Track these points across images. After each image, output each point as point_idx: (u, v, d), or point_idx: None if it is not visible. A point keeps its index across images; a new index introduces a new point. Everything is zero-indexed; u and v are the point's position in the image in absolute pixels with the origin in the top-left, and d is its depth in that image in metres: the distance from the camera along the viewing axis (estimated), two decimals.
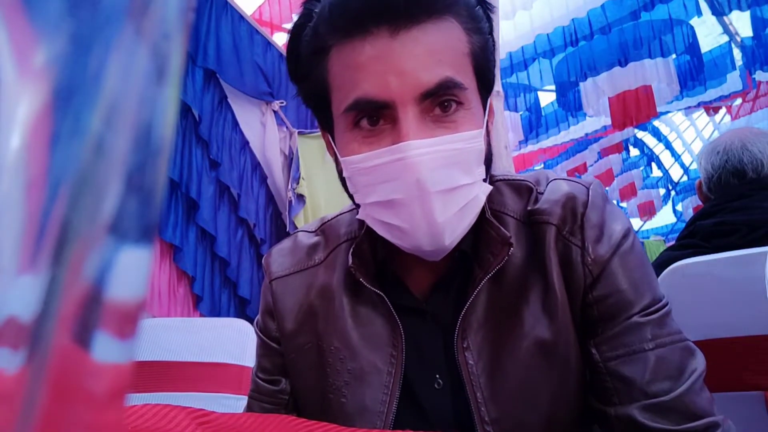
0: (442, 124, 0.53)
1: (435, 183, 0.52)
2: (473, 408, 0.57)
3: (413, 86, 0.51)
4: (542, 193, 0.61)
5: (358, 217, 0.60)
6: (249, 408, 0.69)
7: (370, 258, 0.63)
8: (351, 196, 0.60)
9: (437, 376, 0.60)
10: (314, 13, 0.56)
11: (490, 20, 0.59)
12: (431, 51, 0.51)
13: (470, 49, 0.55)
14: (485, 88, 0.59)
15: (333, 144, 0.60)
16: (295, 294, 0.67)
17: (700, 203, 1.41)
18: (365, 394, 0.60)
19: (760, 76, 5.68)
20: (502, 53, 3.01)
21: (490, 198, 0.62)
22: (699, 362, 0.55)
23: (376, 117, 0.53)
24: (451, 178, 0.53)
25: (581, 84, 4.99)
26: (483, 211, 0.59)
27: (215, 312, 2.46)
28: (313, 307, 0.66)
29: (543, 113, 6.08)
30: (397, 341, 0.60)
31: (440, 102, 0.53)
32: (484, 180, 0.57)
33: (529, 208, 0.61)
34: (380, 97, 0.51)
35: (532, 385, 0.57)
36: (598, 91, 4.97)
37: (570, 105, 5.45)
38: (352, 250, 0.63)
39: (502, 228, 0.59)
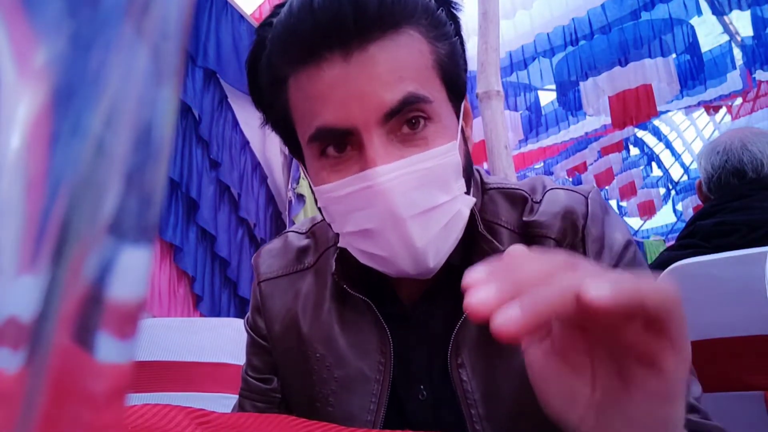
0: (411, 142, 0.50)
1: (409, 207, 0.49)
2: (468, 425, 0.55)
3: (374, 108, 0.48)
4: (538, 203, 0.59)
5: (339, 245, 0.57)
6: (240, 407, 0.68)
7: (355, 264, 0.60)
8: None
9: (421, 387, 0.59)
10: (267, 40, 0.53)
11: (456, 20, 0.56)
12: (390, 68, 0.49)
13: (435, 59, 0.52)
14: (456, 95, 0.55)
15: (305, 173, 0.58)
16: (282, 297, 0.66)
17: (700, 203, 1.41)
18: (352, 402, 0.59)
19: (760, 75, 5.68)
20: (502, 52, 3.00)
21: (483, 208, 0.60)
22: (698, 386, 0.54)
23: (342, 144, 0.51)
24: (427, 198, 0.50)
25: (581, 83, 5.00)
26: (475, 224, 0.57)
27: (215, 312, 2.46)
28: (300, 314, 0.64)
29: (543, 112, 6.08)
30: (385, 348, 0.59)
31: (407, 120, 0.50)
32: (466, 192, 0.55)
33: (524, 219, 0.59)
34: (342, 124, 0.49)
35: (529, 403, 0.55)
36: (598, 91, 4.97)
37: (570, 104, 5.46)
38: (336, 256, 0.60)
39: (494, 241, 0.56)
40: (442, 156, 0.51)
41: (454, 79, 0.55)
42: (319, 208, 0.57)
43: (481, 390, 0.56)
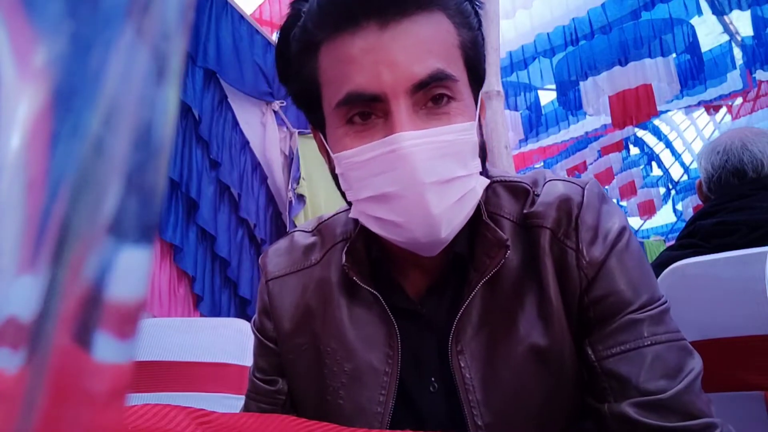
0: (434, 116, 0.53)
1: (429, 174, 0.51)
2: (466, 412, 0.56)
3: (405, 78, 0.50)
4: (539, 195, 0.60)
5: (351, 215, 0.59)
6: (246, 408, 0.69)
7: (365, 257, 0.62)
8: (344, 194, 0.59)
9: (432, 378, 0.60)
10: (302, 12, 0.55)
11: (478, 16, 0.59)
12: (422, 42, 0.51)
13: (460, 42, 0.55)
14: (476, 81, 0.58)
15: (325, 142, 0.59)
16: (291, 294, 0.67)
17: (700, 203, 1.40)
18: (362, 394, 0.60)
19: (760, 75, 5.68)
20: (502, 52, 3.00)
21: (486, 200, 0.61)
22: (696, 363, 0.54)
23: (368, 111, 0.52)
24: (446, 169, 0.52)
25: (581, 83, 4.99)
26: (479, 213, 0.59)
27: (215, 312, 2.46)
28: (310, 308, 0.65)
29: (543, 112, 6.07)
30: (393, 341, 0.60)
31: (432, 95, 0.52)
32: (480, 173, 0.57)
33: (525, 210, 0.60)
34: (372, 89, 0.51)
35: (526, 390, 0.56)
36: (598, 90, 4.96)
37: (570, 104, 5.45)
38: (346, 249, 0.62)
39: (498, 230, 0.58)
40: (462, 132, 0.53)
41: (476, 65, 0.57)
42: (335, 177, 0.58)
43: (480, 376, 0.57)
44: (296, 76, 0.58)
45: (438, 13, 0.53)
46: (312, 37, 0.54)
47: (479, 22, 0.59)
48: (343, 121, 0.54)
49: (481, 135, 0.58)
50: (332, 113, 0.55)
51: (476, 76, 0.58)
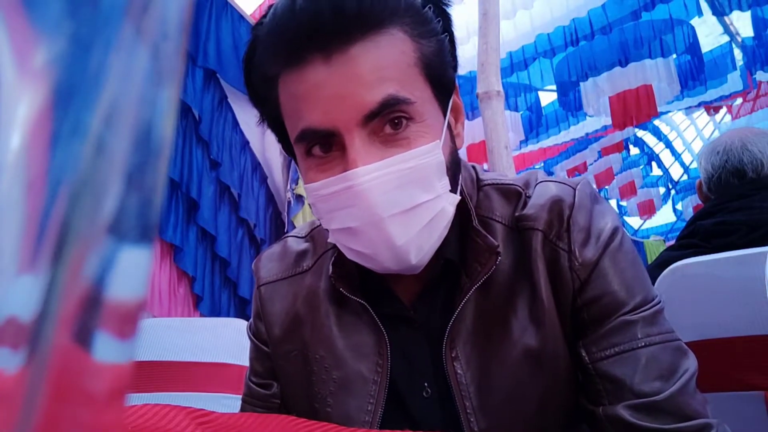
0: (393, 143, 0.51)
1: (388, 207, 0.50)
2: (462, 418, 0.56)
3: (355, 110, 0.49)
4: (530, 197, 0.60)
5: (329, 240, 0.58)
6: (243, 411, 0.69)
7: (353, 266, 0.61)
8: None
9: (425, 384, 0.59)
10: (258, 39, 0.54)
11: (445, 17, 0.56)
12: (371, 69, 0.49)
13: (419, 57, 0.52)
14: (443, 92, 0.56)
15: (298, 169, 0.59)
16: (282, 300, 0.67)
17: (700, 202, 1.41)
18: (350, 403, 0.60)
19: (760, 76, 5.68)
20: (502, 53, 3.00)
21: (478, 204, 0.61)
22: (691, 363, 0.53)
23: (328, 144, 0.52)
24: (407, 198, 0.51)
25: (582, 84, 5.00)
26: (470, 219, 0.58)
27: (215, 312, 2.46)
28: (300, 315, 0.65)
29: (543, 113, 6.08)
30: (382, 350, 0.60)
31: (388, 120, 0.50)
32: (452, 190, 0.55)
33: (516, 213, 0.59)
34: (324, 126, 0.50)
35: (521, 394, 0.56)
36: (599, 91, 4.97)
37: (570, 104, 5.46)
38: (333, 259, 0.62)
39: (489, 237, 0.57)
40: (424, 156, 0.52)
41: (440, 76, 0.55)
42: (310, 204, 0.57)
43: (476, 382, 0.57)
44: (263, 103, 0.57)
45: (391, 31, 0.50)
46: (267, 70, 0.53)
47: (446, 23, 0.56)
48: (305, 154, 0.53)
49: (452, 150, 0.57)
50: (295, 146, 0.55)
51: (442, 87, 0.55)
